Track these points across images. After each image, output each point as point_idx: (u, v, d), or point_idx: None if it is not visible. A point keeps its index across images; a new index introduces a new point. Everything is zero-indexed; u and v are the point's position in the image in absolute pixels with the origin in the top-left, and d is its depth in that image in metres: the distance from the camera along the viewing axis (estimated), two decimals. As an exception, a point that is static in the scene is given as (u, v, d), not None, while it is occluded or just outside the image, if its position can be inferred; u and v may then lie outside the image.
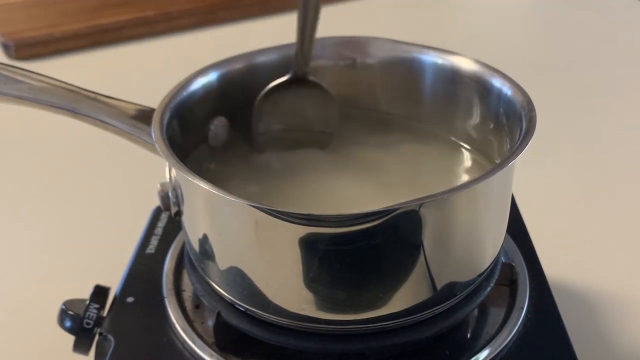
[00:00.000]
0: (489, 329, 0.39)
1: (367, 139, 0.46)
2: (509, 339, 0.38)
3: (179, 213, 0.38)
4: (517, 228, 0.46)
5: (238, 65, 0.44)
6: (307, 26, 0.42)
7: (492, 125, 0.42)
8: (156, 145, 0.35)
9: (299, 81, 0.44)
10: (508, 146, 0.39)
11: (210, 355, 0.37)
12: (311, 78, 0.44)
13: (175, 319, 0.39)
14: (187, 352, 0.38)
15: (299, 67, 0.44)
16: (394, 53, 0.44)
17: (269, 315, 0.35)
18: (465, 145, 0.44)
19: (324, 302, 0.34)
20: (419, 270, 0.34)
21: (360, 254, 0.33)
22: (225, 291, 0.37)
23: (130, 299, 0.41)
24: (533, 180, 0.62)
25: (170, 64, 0.85)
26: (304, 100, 0.45)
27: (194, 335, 0.38)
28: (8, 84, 0.39)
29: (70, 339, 0.40)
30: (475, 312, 0.40)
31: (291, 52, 0.45)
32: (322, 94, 0.45)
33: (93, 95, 0.39)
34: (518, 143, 0.35)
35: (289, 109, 0.45)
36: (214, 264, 0.36)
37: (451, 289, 0.36)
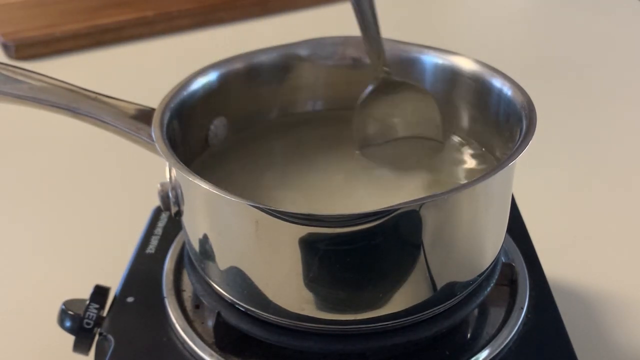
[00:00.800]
0: (489, 329, 0.39)
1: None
2: (509, 339, 0.38)
3: (179, 213, 0.38)
4: (517, 228, 0.46)
5: (238, 65, 0.44)
6: (368, 23, 0.41)
7: (492, 126, 0.42)
8: (156, 145, 0.35)
9: (387, 85, 0.43)
10: (508, 146, 0.39)
11: (210, 355, 0.37)
12: (396, 78, 0.43)
13: (175, 319, 0.39)
14: (187, 352, 0.38)
15: (378, 70, 0.43)
16: (393, 53, 0.44)
17: (269, 315, 0.35)
18: (466, 145, 0.44)
19: (324, 302, 0.34)
20: (419, 270, 0.34)
21: (360, 254, 0.33)
22: (225, 291, 0.37)
23: (130, 299, 0.41)
24: (533, 180, 0.62)
25: (170, 64, 0.85)
26: (399, 104, 0.43)
27: (194, 335, 0.38)
28: (8, 83, 0.39)
29: (70, 339, 0.40)
30: (475, 312, 0.40)
31: (291, 52, 0.45)
32: (416, 93, 0.43)
33: (93, 95, 0.39)
34: (518, 143, 0.35)
35: (387, 118, 0.44)
36: (214, 264, 0.36)
37: (451, 289, 0.36)
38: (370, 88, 0.43)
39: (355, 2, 0.41)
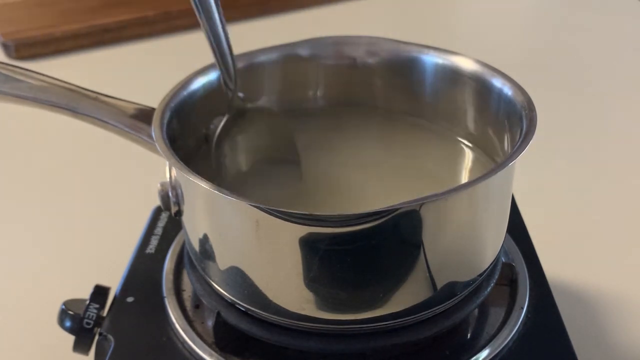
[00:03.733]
0: (489, 329, 0.39)
1: (366, 139, 0.46)
2: (509, 339, 0.38)
3: (179, 213, 0.38)
4: (517, 228, 0.46)
5: (238, 65, 0.44)
6: (220, 43, 0.40)
7: (492, 125, 0.42)
8: (156, 144, 0.35)
9: (240, 115, 0.42)
10: (508, 146, 0.39)
11: (210, 355, 0.37)
12: (250, 105, 0.43)
13: (175, 319, 0.39)
14: (187, 352, 0.38)
15: (232, 99, 0.42)
16: (394, 53, 0.44)
17: (269, 315, 0.35)
18: (466, 145, 0.44)
19: (324, 302, 0.34)
20: (419, 270, 0.34)
21: (360, 254, 0.33)
22: (225, 291, 0.37)
23: (130, 299, 0.41)
24: (533, 180, 0.62)
25: (170, 64, 0.85)
26: (256, 131, 0.43)
27: (194, 335, 0.38)
28: (8, 83, 0.39)
29: (70, 339, 0.40)
30: (475, 312, 0.40)
31: (291, 51, 0.45)
32: (271, 118, 0.43)
33: (93, 94, 0.39)
34: (518, 143, 0.35)
35: (246, 146, 0.43)
36: (214, 263, 0.36)
37: (451, 288, 0.36)
38: (224, 119, 0.42)
39: (201, 10, 0.40)
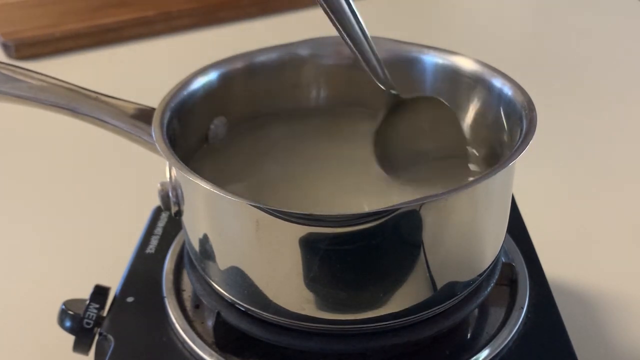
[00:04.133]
0: (489, 328, 0.39)
1: (367, 139, 0.45)
2: (509, 338, 0.38)
3: (179, 212, 0.38)
4: (517, 228, 0.46)
5: (238, 65, 0.44)
6: (358, 39, 0.39)
7: (492, 125, 0.41)
8: (156, 144, 0.35)
9: (400, 105, 0.42)
10: (508, 146, 0.39)
11: (210, 355, 0.37)
12: (404, 96, 0.42)
13: (175, 319, 0.39)
14: (187, 352, 0.38)
15: (387, 95, 0.41)
16: (394, 53, 0.44)
17: (269, 315, 0.35)
18: (466, 144, 0.44)
19: (324, 302, 0.34)
20: (419, 270, 0.34)
21: (360, 254, 0.33)
22: (225, 291, 0.37)
23: (130, 299, 0.41)
24: (533, 180, 0.62)
25: (170, 64, 0.85)
26: (416, 122, 0.42)
27: (194, 335, 0.38)
28: (8, 83, 0.39)
29: (70, 339, 0.40)
30: (476, 312, 0.40)
31: (291, 52, 0.45)
32: (434, 108, 0.42)
33: (93, 94, 0.39)
34: (518, 143, 0.35)
35: (407, 137, 0.42)
36: (214, 263, 0.36)
37: (451, 288, 0.36)
38: (382, 113, 0.42)
39: (333, 15, 0.38)
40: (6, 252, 0.57)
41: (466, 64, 0.42)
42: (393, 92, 0.41)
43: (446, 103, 0.42)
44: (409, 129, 0.42)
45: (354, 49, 0.39)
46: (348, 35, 0.39)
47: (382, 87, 0.41)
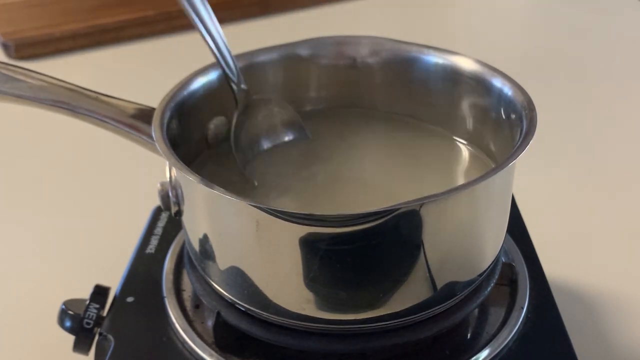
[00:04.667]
0: (489, 328, 0.39)
1: (367, 139, 0.46)
2: (509, 338, 0.38)
3: (179, 212, 0.38)
4: (517, 228, 0.46)
5: (239, 65, 0.44)
6: (215, 39, 0.41)
7: (492, 125, 0.42)
8: (156, 144, 0.35)
9: (250, 105, 0.43)
10: (509, 146, 0.39)
11: (210, 355, 0.37)
12: (255, 97, 0.43)
13: (175, 319, 0.39)
14: (187, 352, 0.38)
15: (238, 93, 0.42)
16: (394, 53, 0.44)
17: (269, 315, 0.35)
18: (466, 144, 0.44)
19: (324, 301, 0.34)
20: (419, 270, 0.34)
21: (360, 254, 0.33)
22: (225, 291, 0.37)
23: (130, 299, 0.41)
24: (533, 180, 0.62)
25: (170, 64, 0.85)
26: (266, 120, 0.44)
27: (194, 335, 0.38)
28: (8, 82, 0.39)
29: (70, 339, 0.40)
30: (475, 312, 0.40)
31: (291, 52, 0.45)
32: (279, 106, 0.44)
33: (93, 94, 0.39)
34: (518, 143, 0.35)
35: (258, 134, 0.44)
36: (214, 263, 0.36)
37: (451, 288, 0.36)
38: (235, 115, 0.43)
39: (192, 11, 0.41)
40: (6, 252, 0.57)
41: (466, 64, 0.42)
42: (243, 87, 0.43)
43: (286, 104, 0.44)
44: (258, 126, 0.44)
45: (211, 44, 0.41)
46: (206, 31, 0.41)
47: (234, 82, 0.42)
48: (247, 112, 0.43)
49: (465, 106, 0.43)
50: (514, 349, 0.38)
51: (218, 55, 0.41)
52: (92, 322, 0.39)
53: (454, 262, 0.35)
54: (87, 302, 0.40)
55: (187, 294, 0.41)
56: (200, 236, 0.36)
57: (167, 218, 0.48)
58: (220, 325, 0.38)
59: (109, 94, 0.40)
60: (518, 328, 0.39)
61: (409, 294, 0.35)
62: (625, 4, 1.04)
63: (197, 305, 0.41)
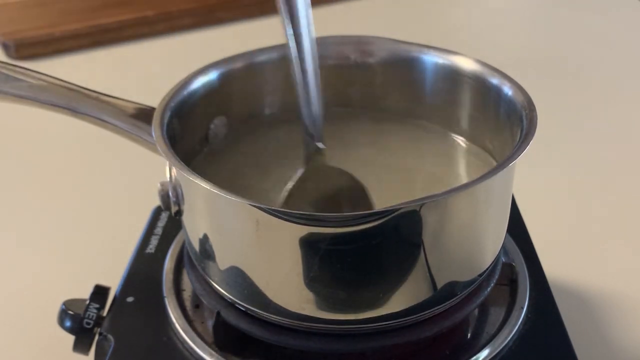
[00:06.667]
0: (489, 328, 0.39)
1: (367, 139, 0.46)
2: (509, 338, 0.38)
3: (179, 212, 0.38)
4: (517, 228, 0.46)
5: (238, 65, 0.44)
6: (309, 89, 0.36)
7: (492, 125, 0.42)
8: (156, 144, 0.35)
9: (318, 171, 0.38)
10: (508, 146, 0.39)
11: (210, 355, 0.37)
12: (329, 163, 0.38)
13: (175, 319, 0.39)
14: (187, 352, 0.38)
15: (310, 146, 0.37)
16: (394, 52, 0.44)
17: (269, 314, 0.35)
18: (466, 144, 0.44)
19: (324, 301, 0.34)
20: (419, 270, 0.34)
21: (360, 254, 0.33)
22: (225, 291, 0.37)
23: (130, 299, 0.41)
24: (533, 180, 0.62)
25: (170, 64, 0.85)
26: (328, 188, 0.38)
27: (194, 335, 0.38)
28: (8, 82, 0.39)
29: (70, 339, 0.40)
30: (476, 311, 0.40)
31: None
32: (349, 182, 0.38)
33: (93, 94, 0.39)
34: (519, 143, 0.35)
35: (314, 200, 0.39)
36: (214, 263, 0.36)
37: (451, 288, 0.36)
38: (299, 172, 0.38)
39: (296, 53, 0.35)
40: (6, 252, 0.57)
41: (466, 64, 0.42)
42: (320, 145, 0.38)
43: (361, 183, 0.38)
44: (321, 197, 0.39)
45: (302, 91, 0.37)
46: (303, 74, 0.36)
47: (309, 135, 0.37)
48: (312, 177, 0.38)
49: (465, 106, 0.43)
50: (514, 349, 0.38)
51: (304, 99, 0.36)
52: (92, 322, 0.39)
53: (454, 262, 0.35)
54: (87, 302, 0.40)
55: (187, 294, 0.41)
56: (200, 236, 0.36)
57: (167, 218, 0.48)
58: (220, 325, 0.38)
59: (109, 94, 0.40)
60: (518, 328, 0.39)
61: (409, 294, 0.35)
62: (625, 4, 1.04)
63: (197, 305, 0.41)
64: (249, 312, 0.36)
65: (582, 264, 0.54)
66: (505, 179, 0.36)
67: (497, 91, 0.40)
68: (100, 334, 0.39)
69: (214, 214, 0.35)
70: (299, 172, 0.38)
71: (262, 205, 0.32)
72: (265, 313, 0.35)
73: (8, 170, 0.68)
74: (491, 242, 0.37)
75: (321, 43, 0.45)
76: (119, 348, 0.38)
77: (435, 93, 0.44)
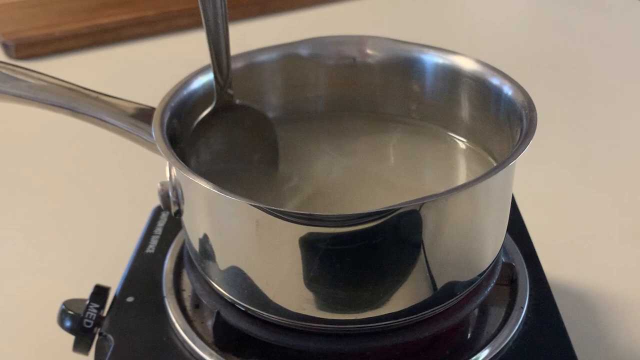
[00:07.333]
0: (489, 328, 0.39)
1: (367, 139, 0.46)
2: (509, 338, 0.38)
3: (179, 212, 0.38)
4: (517, 228, 0.46)
5: (238, 65, 0.44)
6: (219, 42, 0.39)
7: (492, 125, 0.42)
8: (156, 144, 0.35)
9: (227, 108, 0.41)
10: (509, 146, 0.39)
11: (210, 355, 0.37)
12: (239, 102, 0.42)
13: (175, 319, 0.39)
14: (187, 352, 0.38)
15: (220, 93, 0.40)
16: (394, 52, 0.44)
17: (269, 314, 0.35)
18: (466, 144, 0.44)
19: (324, 301, 0.34)
20: (419, 270, 0.34)
21: (360, 254, 0.33)
22: (225, 290, 0.37)
23: (130, 299, 0.41)
24: (533, 180, 0.62)
25: (170, 64, 0.85)
26: (237, 127, 0.42)
27: (194, 335, 0.38)
28: (8, 82, 0.39)
29: (70, 339, 0.40)
30: (475, 312, 0.40)
31: (291, 51, 0.45)
32: (256, 117, 0.42)
33: (93, 94, 0.39)
34: (519, 143, 0.35)
35: (223, 141, 0.42)
36: (214, 263, 0.36)
37: (451, 288, 0.36)
38: (205, 113, 0.41)
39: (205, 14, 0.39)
40: (6, 252, 0.57)
41: (466, 64, 0.42)
42: (229, 91, 0.41)
43: (269, 118, 0.43)
44: (228, 131, 0.42)
45: (209, 38, 0.39)
46: (206, 22, 0.39)
47: (219, 81, 0.40)
48: (225, 113, 0.41)
49: (465, 106, 0.43)
50: (514, 349, 0.38)
51: (212, 43, 0.39)
52: (92, 322, 0.39)
53: (454, 261, 0.35)
54: (87, 302, 0.40)
55: (187, 294, 0.41)
56: (200, 236, 0.36)
57: (167, 218, 0.48)
58: (220, 325, 0.38)
59: (109, 94, 0.40)
60: (518, 328, 0.39)
61: (409, 294, 0.35)
62: (625, 4, 1.04)
63: (197, 305, 0.41)
64: (248, 312, 0.36)
65: (582, 264, 0.54)
66: (505, 178, 0.36)
67: (497, 91, 0.40)
68: (100, 334, 0.39)
69: (214, 214, 0.35)
70: (209, 108, 0.41)
71: (262, 205, 0.32)
72: (265, 313, 0.35)
73: (8, 170, 0.68)
74: (491, 242, 0.37)
75: (321, 43, 0.45)
76: (119, 348, 0.38)
77: (435, 93, 0.44)
